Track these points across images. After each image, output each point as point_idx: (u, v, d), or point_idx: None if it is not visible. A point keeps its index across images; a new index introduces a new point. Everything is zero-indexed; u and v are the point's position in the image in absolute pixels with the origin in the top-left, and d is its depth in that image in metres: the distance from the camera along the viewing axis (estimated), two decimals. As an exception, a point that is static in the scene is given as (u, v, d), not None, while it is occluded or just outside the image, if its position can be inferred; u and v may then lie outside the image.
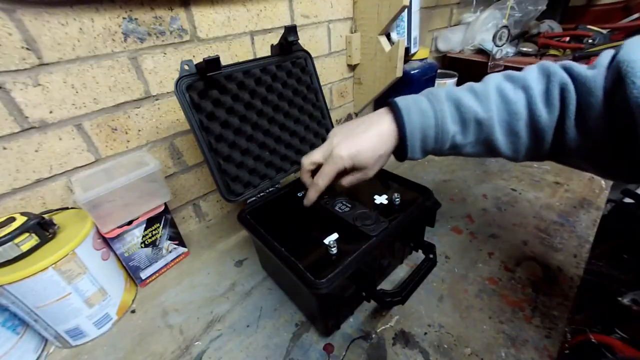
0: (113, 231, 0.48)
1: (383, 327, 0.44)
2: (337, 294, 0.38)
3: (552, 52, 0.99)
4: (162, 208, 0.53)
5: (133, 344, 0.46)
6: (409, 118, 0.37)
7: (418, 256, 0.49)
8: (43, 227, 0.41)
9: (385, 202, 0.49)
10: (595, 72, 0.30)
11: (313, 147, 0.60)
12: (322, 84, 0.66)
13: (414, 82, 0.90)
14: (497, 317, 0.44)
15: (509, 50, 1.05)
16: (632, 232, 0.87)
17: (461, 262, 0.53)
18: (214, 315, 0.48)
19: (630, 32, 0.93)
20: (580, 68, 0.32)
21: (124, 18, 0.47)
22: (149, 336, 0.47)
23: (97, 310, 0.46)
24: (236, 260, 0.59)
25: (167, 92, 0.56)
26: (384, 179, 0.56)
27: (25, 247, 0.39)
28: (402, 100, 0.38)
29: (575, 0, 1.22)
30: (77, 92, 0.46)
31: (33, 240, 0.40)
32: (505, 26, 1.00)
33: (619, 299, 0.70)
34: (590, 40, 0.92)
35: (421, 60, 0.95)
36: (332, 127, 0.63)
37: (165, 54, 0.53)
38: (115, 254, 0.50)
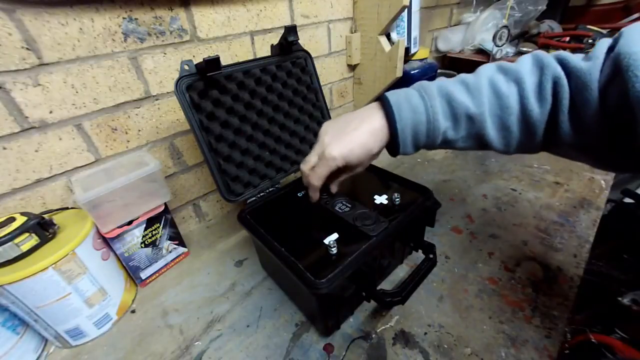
0: (113, 231, 0.48)
1: (383, 327, 0.44)
2: (337, 294, 0.38)
3: (552, 52, 0.99)
4: (162, 208, 0.53)
5: (133, 344, 0.46)
6: (400, 114, 0.37)
7: (418, 256, 0.49)
8: (43, 227, 0.41)
9: (385, 202, 0.49)
10: (590, 65, 0.29)
11: (313, 147, 0.60)
12: (322, 84, 0.66)
13: (414, 82, 0.88)
14: (497, 317, 0.44)
15: (509, 50, 1.05)
16: (632, 232, 0.87)
17: (461, 262, 0.53)
18: (214, 315, 0.48)
19: (630, 32, 0.92)
20: (575, 60, 0.31)
21: (124, 18, 0.47)
22: (149, 336, 0.47)
23: (97, 310, 0.46)
24: (236, 260, 0.59)
25: (167, 92, 0.56)
26: (384, 179, 0.56)
27: (25, 247, 0.39)
28: (393, 95, 0.38)
29: (575, 0, 1.22)
30: (77, 92, 0.47)
31: (33, 240, 0.40)
32: (505, 26, 1.00)
33: (619, 299, 0.70)
34: (590, 40, 0.92)
35: (421, 60, 0.95)
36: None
37: (165, 54, 0.53)
38: (115, 254, 0.50)
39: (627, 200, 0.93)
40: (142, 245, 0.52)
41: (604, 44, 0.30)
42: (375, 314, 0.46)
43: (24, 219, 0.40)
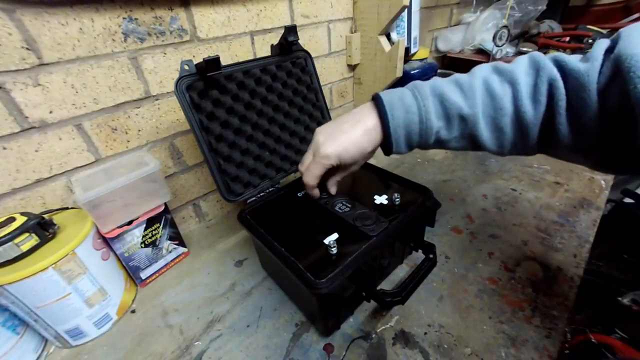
0: (113, 231, 0.48)
1: (383, 327, 0.44)
2: (337, 294, 0.38)
3: (552, 52, 0.99)
4: (162, 208, 0.53)
5: (133, 344, 0.46)
6: (392, 114, 0.37)
7: (418, 256, 0.49)
8: (43, 227, 0.41)
9: (385, 202, 0.49)
10: (588, 66, 0.29)
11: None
12: (322, 84, 0.66)
13: (414, 82, 0.90)
14: (497, 317, 0.44)
15: (509, 50, 1.05)
16: (632, 232, 0.87)
17: (461, 262, 0.53)
18: (214, 315, 0.48)
19: (630, 32, 0.92)
20: (572, 61, 0.30)
21: (124, 18, 0.47)
22: (149, 336, 0.47)
23: (97, 310, 0.46)
24: (236, 260, 0.59)
25: (167, 92, 0.56)
26: (384, 179, 0.56)
27: (25, 247, 0.39)
28: (386, 95, 0.38)
29: (575, 0, 1.22)
30: (77, 92, 0.47)
31: (33, 240, 0.40)
32: (505, 26, 1.00)
33: (619, 299, 0.70)
34: (590, 40, 0.92)
35: (421, 60, 0.95)
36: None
37: (165, 54, 0.53)
38: (115, 254, 0.50)
39: (627, 200, 0.93)
40: (142, 245, 0.52)
41: (601, 45, 0.29)
42: (375, 314, 0.46)
43: (24, 219, 0.40)
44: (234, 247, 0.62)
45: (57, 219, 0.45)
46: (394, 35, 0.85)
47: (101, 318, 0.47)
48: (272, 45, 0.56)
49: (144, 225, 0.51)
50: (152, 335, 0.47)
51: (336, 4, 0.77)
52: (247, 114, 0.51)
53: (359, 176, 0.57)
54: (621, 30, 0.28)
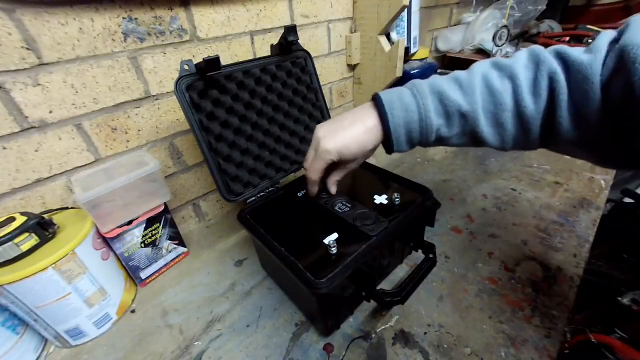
0: (113, 231, 0.48)
1: (383, 327, 0.44)
2: (337, 294, 0.38)
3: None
4: (162, 208, 0.53)
5: (133, 344, 0.46)
6: (392, 114, 0.37)
7: (418, 256, 0.49)
8: (43, 227, 0.41)
9: (385, 202, 0.49)
10: (591, 58, 0.28)
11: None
12: (322, 84, 0.66)
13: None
14: (497, 317, 0.44)
15: (509, 50, 1.05)
16: (632, 232, 0.87)
17: (461, 262, 0.53)
18: (214, 315, 0.48)
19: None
20: (575, 53, 0.30)
21: (124, 18, 0.47)
22: (149, 336, 0.47)
23: (97, 310, 0.46)
24: (236, 260, 0.59)
25: (167, 92, 0.56)
26: (384, 179, 0.56)
27: (25, 247, 0.39)
28: (386, 94, 0.38)
29: (575, 0, 1.22)
30: (77, 92, 0.46)
31: (33, 240, 0.40)
32: (505, 26, 1.00)
33: (619, 299, 0.70)
34: (590, 40, 0.92)
35: (421, 60, 0.95)
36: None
37: (165, 54, 0.53)
38: (115, 254, 0.50)
39: (627, 200, 0.93)
40: (142, 245, 0.52)
41: (605, 36, 0.29)
42: (375, 314, 0.46)
43: (24, 219, 0.40)
44: (234, 247, 0.62)
45: (57, 219, 0.45)
46: (394, 35, 0.85)
47: (101, 318, 0.47)
48: (272, 45, 0.56)
49: (144, 225, 0.51)
50: (152, 335, 0.47)
51: (336, 4, 0.78)
52: (247, 114, 0.51)
53: (359, 176, 0.57)
54: (629, 19, 0.27)
